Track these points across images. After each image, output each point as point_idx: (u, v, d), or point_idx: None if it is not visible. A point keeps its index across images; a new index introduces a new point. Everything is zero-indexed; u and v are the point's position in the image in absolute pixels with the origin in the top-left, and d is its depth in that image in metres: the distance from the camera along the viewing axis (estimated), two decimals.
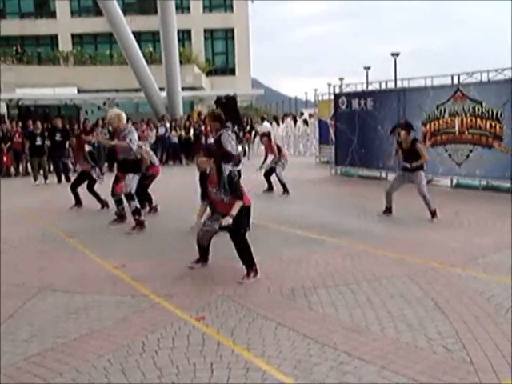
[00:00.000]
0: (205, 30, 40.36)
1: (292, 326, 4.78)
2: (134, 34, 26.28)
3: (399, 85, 15.01)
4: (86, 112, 31.28)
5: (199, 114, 25.41)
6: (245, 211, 6.27)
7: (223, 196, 6.31)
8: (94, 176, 11.17)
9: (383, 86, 15.15)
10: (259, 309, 5.21)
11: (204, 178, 6.94)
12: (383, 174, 15.01)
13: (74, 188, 11.44)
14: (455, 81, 12.99)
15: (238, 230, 6.18)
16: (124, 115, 9.26)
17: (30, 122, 18.94)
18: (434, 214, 9.19)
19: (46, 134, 17.56)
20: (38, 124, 17.63)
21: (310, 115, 25.95)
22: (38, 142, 16.93)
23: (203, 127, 22.63)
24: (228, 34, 41.22)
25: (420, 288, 5.68)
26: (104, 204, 11.21)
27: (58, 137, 17.03)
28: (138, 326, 4.87)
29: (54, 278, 6.48)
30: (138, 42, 27.51)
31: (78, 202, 11.46)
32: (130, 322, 4.99)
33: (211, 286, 5.97)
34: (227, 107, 21.21)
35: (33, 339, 4.69)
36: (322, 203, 11.14)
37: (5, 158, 18.62)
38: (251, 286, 5.92)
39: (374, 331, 4.63)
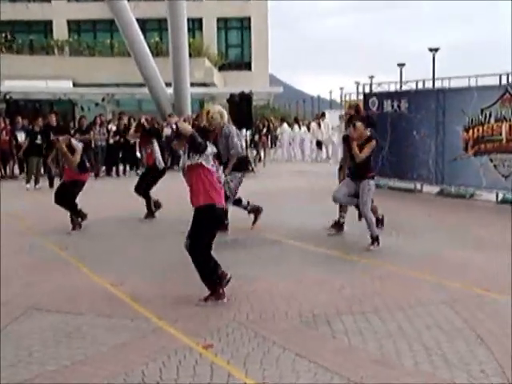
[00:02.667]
0: (218, 19, 40.60)
1: (313, 357, 4.75)
2: (138, 21, 26.40)
3: (438, 84, 14.97)
4: (82, 109, 31.46)
5: (209, 113, 25.48)
6: (210, 213, 6.21)
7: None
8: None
9: (420, 86, 15.12)
10: (275, 337, 5.19)
11: None
12: (418, 186, 14.94)
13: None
14: (503, 81, 12.93)
15: (199, 239, 6.16)
16: (225, 113, 10.06)
17: (19, 118, 19.13)
18: (374, 240, 8.60)
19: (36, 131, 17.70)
20: (39, 120, 17.70)
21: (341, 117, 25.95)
22: (39, 140, 17.01)
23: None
24: (244, 24, 41.41)
25: (460, 317, 5.63)
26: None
27: (52, 135, 17.15)
28: (137, 353, 4.87)
29: (43, 295, 6.50)
30: (143, 30, 27.66)
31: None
32: (128, 348, 4.99)
33: (221, 309, 5.96)
34: (240, 106, 21.38)
35: (19, 365, 4.70)
36: (348, 217, 11.09)
37: None
38: (266, 310, 5.90)
39: (407, 366, 4.59)
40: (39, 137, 17.06)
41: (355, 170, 8.98)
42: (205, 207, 6.19)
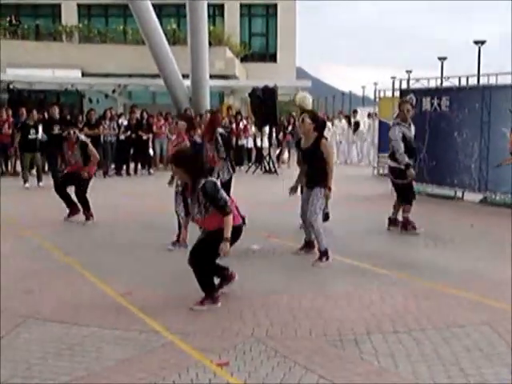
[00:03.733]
0: (241, 5, 40.66)
1: (338, 380, 4.73)
2: (154, 6, 26.55)
3: (483, 81, 14.86)
4: (91, 100, 31.65)
5: (229, 108, 25.53)
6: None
7: (198, 215, 6.49)
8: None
9: (463, 82, 15.02)
10: (297, 356, 5.17)
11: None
12: (459, 193, 14.83)
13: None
14: None
15: (207, 255, 6.40)
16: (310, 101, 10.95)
17: (24, 110, 19.25)
18: (322, 254, 8.37)
19: (41, 125, 17.84)
20: (34, 113, 17.86)
21: (369, 115, 25.89)
22: (32, 135, 17.16)
23: (234, 125, 22.76)
24: (269, 11, 41.43)
25: (503, 340, 5.58)
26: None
27: (55, 130, 17.28)
28: (145, 370, 4.88)
29: (43, 304, 6.55)
30: (159, 16, 27.80)
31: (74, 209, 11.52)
32: (135, 365, 5.00)
33: (238, 323, 5.96)
34: (263, 102, 21.31)
35: (15, 380, 4.72)
36: (379, 226, 11.04)
37: None
38: (288, 327, 5.88)
39: None
40: (33, 131, 17.16)
41: (310, 177, 8.71)
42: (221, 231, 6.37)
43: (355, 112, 28.29)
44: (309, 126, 8.55)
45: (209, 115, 10.77)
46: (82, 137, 11.71)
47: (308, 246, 8.99)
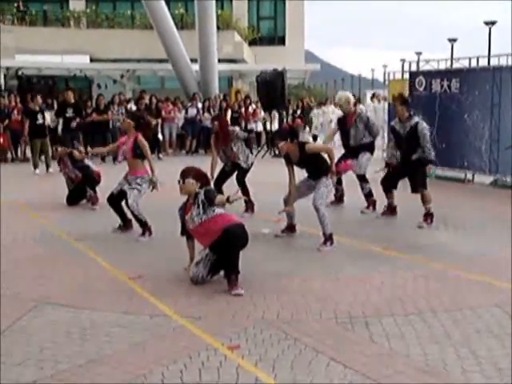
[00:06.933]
0: None
1: (349, 362, 4.75)
2: None
3: (494, 62, 14.76)
4: (99, 86, 31.69)
5: (238, 92, 25.49)
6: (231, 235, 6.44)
7: (196, 218, 6.70)
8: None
9: (473, 64, 14.92)
10: (308, 338, 5.20)
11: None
12: (469, 175, 14.78)
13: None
14: None
15: (229, 252, 6.42)
16: (352, 99, 11.39)
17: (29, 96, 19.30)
18: (327, 239, 8.33)
19: (54, 110, 17.94)
20: (38, 98, 17.86)
21: (374, 96, 25.61)
22: (39, 120, 17.21)
23: (243, 109, 22.75)
24: None
25: None
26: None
27: (68, 113, 17.32)
28: (156, 354, 4.91)
29: (55, 288, 6.59)
30: (167, 1, 27.72)
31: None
32: (147, 348, 5.04)
33: (249, 307, 5.98)
34: (271, 85, 21.18)
35: (28, 363, 4.77)
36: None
37: (1, 140, 18.91)
38: (298, 309, 5.91)
39: (454, 374, 4.57)
40: (40, 116, 17.26)
41: (314, 173, 8.72)
42: (224, 233, 6.46)
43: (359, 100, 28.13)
44: (289, 148, 8.64)
45: (216, 123, 10.37)
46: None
47: (290, 229, 9.13)
